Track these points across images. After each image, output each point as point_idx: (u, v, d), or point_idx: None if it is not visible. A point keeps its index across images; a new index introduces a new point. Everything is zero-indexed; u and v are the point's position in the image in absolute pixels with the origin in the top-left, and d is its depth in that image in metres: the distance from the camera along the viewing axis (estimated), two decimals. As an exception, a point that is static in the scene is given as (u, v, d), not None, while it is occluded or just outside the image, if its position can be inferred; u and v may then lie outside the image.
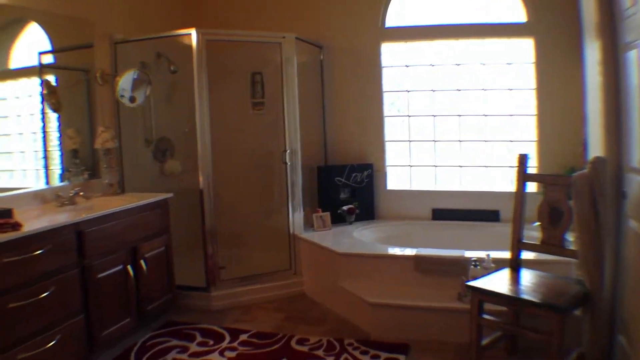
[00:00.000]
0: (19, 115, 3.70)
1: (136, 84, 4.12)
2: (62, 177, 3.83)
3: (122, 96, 4.04)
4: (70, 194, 3.58)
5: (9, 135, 3.62)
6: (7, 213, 2.90)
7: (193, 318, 3.94)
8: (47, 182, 3.76)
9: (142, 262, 3.56)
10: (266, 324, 3.80)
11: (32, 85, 3.71)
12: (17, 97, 3.68)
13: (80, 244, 3.04)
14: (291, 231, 4.56)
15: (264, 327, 3.74)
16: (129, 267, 3.43)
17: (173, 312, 4.04)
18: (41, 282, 2.75)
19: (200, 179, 4.10)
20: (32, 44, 3.69)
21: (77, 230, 3.03)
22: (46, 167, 3.79)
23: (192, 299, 4.17)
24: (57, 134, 3.88)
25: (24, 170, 3.73)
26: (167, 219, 3.90)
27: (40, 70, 3.72)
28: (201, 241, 4.17)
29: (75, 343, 2.97)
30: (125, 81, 4.05)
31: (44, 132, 3.79)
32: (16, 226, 2.72)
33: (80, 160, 3.95)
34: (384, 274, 3.83)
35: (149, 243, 3.65)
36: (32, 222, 2.91)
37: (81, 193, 3.66)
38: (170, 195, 3.93)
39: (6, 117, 3.60)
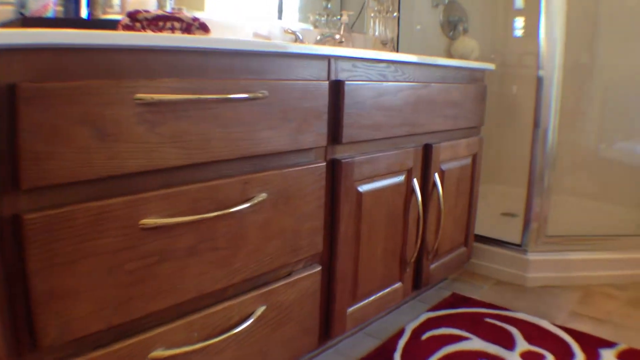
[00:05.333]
0: None
1: None
2: (302, 19, 2.21)
3: None
4: (317, 38, 1.92)
5: None
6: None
7: (496, 296, 2.13)
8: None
9: (436, 176, 1.78)
10: (635, 332, 1.87)
11: None
12: None
13: (334, 106, 1.34)
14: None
15: (635, 340, 1.81)
16: (415, 181, 1.67)
17: (461, 277, 2.28)
18: (233, 177, 1.11)
19: (541, 70, 2.16)
20: None
21: (332, 80, 1.33)
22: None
23: (492, 260, 2.35)
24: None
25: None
26: (483, 107, 2.06)
27: None
28: (527, 167, 2.27)
29: (297, 323, 1.32)
30: None
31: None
32: (204, 27, 1.09)
33: (340, 7, 2.30)
34: None
35: (451, 144, 1.85)
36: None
37: (337, 37, 1.97)
38: (491, 67, 2.06)
39: None
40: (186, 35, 0.98)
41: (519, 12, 3.39)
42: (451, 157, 1.86)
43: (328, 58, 1.31)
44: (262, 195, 1.15)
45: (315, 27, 2.28)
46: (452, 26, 3.11)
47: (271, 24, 1.98)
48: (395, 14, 2.23)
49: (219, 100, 1.03)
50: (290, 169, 1.22)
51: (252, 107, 1.10)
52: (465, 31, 3.17)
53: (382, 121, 1.49)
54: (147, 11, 1.09)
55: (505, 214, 3.18)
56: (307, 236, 1.29)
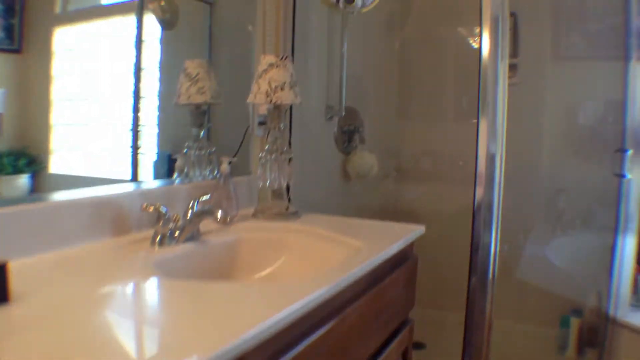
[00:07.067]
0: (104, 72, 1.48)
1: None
2: (164, 171, 1.66)
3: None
4: (188, 216, 1.37)
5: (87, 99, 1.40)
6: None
7: None
8: (134, 178, 1.57)
9: None
10: None
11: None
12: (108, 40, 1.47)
13: None
14: (610, 311, 2.25)
15: None
16: None
17: None
18: None
19: (479, 190, 1.79)
20: None
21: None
22: (134, 150, 1.58)
23: None
24: (159, 83, 1.67)
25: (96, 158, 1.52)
26: (414, 286, 1.60)
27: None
28: (464, 308, 1.89)
29: None
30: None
31: (137, 87, 1.57)
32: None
33: (210, 136, 1.78)
34: None
35: (383, 357, 1.36)
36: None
37: (219, 215, 1.40)
38: (420, 229, 1.61)
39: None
40: None
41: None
42: (387, 378, 1.36)
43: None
44: None
45: (183, 172, 1.72)
46: (346, 137, 2.74)
47: (137, 198, 1.40)
48: (290, 156, 1.74)
49: None
50: None
51: None
52: (362, 142, 2.81)
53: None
54: None
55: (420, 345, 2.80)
56: None
